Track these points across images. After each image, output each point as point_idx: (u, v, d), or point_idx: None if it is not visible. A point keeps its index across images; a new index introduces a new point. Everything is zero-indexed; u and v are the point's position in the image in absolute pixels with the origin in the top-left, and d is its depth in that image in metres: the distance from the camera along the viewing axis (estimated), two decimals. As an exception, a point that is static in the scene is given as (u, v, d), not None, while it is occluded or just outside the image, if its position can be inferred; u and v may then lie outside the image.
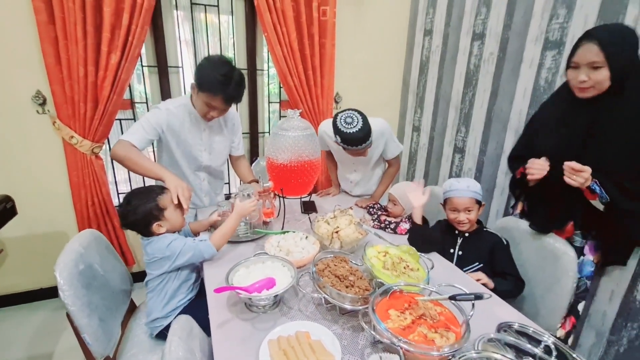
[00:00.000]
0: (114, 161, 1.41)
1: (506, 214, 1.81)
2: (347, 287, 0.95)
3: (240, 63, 2.23)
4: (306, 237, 1.29)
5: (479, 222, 1.43)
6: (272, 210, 1.51)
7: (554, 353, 0.85)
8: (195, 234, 1.37)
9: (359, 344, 0.89)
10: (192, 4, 2.02)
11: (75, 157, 1.85)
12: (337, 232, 1.27)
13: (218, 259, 1.22)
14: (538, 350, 0.85)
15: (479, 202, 1.37)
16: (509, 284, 1.30)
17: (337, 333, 0.91)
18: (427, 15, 2.29)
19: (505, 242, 1.36)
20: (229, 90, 1.34)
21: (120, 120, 2.05)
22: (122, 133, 2.06)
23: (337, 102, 2.45)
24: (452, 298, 0.86)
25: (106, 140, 1.96)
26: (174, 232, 1.18)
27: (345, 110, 1.50)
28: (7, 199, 1.53)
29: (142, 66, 1.99)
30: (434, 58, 2.27)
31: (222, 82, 1.32)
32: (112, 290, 1.21)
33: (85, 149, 1.82)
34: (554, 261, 1.27)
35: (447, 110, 2.19)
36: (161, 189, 1.18)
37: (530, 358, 0.82)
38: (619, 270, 1.34)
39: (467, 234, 1.40)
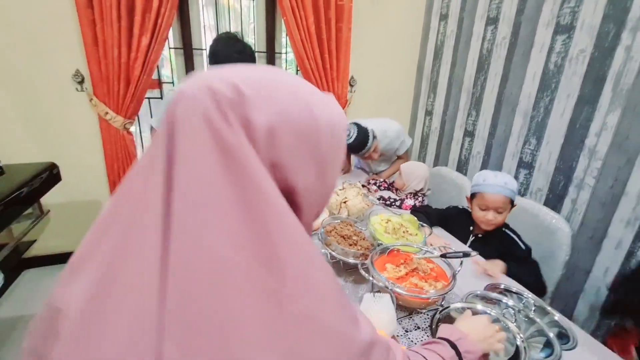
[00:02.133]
0: (142, 137, 1.56)
1: (511, 195, 1.87)
2: (350, 245, 1.07)
3: (260, 47, 2.33)
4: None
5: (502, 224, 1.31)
6: None
7: (532, 308, 0.95)
8: None
9: (359, 293, 1.01)
10: (216, -12, 2.13)
11: (109, 132, 2.02)
12: (345, 202, 1.39)
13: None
14: (517, 304, 0.95)
15: (512, 202, 1.25)
16: (529, 275, 1.14)
17: (346, 284, 1.04)
18: (443, 0, 2.31)
19: (524, 247, 1.22)
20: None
21: (149, 98, 2.21)
22: (150, 109, 2.23)
23: (352, 86, 2.52)
24: (443, 256, 0.97)
25: (136, 117, 2.12)
26: None
27: (349, 123, 1.65)
28: (54, 166, 1.72)
29: (170, 48, 2.13)
30: (448, 43, 2.30)
31: (237, 59, 1.41)
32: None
33: (118, 125, 2.00)
34: (549, 235, 1.35)
35: (459, 95, 2.24)
36: None
37: (510, 309, 0.93)
38: (614, 249, 1.41)
39: (480, 235, 1.32)
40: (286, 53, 2.40)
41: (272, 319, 0.33)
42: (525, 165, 1.78)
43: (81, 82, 1.95)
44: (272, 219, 0.34)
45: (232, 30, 2.26)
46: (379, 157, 1.93)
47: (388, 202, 1.66)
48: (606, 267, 1.45)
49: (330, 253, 1.06)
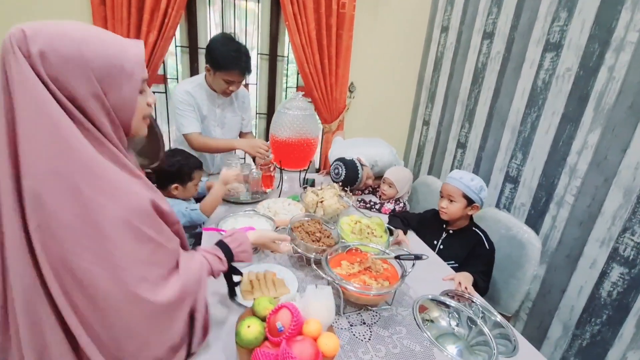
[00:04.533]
0: None
1: (497, 208, 1.87)
2: (313, 241, 1.12)
3: (264, 49, 2.42)
4: (295, 204, 1.47)
5: (471, 221, 1.43)
6: (272, 179, 1.70)
7: (480, 315, 0.97)
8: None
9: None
10: (223, -9, 2.23)
11: (114, 122, 2.14)
12: (321, 201, 1.44)
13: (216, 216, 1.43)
14: (465, 308, 0.98)
15: (467, 199, 1.36)
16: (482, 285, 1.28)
17: (299, 277, 1.08)
18: (445, 12, 2.35)
19: (488, 247, 1.35)
20: (242, 63, 1.52)
21: (154, 92, 2.32)
22: (155, 104, 2.34)
23: (351, 92, 2.57)
24: (397, 257, 1.00)
25: (141, 110, 2.23)
26: (183, 199, 1.37)
27: (335, 162, 1.76)
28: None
29: (176, 46, 2.24)
30: (447, 54, 2.33)
31: (235, 58, 1.49)
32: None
33: (122, 115, 2.11)
34: (520, 249, 1.36)
35: (454, 106, 2.26)
36: (201, 165, 1.38)
37: (455, 313, 0.96)
38: (589, 268, 1.40)
39: (451, 231, 1.44)
40: (288, 56, 2.48)
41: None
42: (511, 180, 1.78)
43: (91, 74, 2.08)
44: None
45: (237, 32, 2.35)
46: (374, 182, 1.95)
47: (368, 205, 1.69)
48: (580, 286, 1.44)
49: (294, 247, 1.11)
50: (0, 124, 0.53)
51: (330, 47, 2.30)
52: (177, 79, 2.37)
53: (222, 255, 0.81)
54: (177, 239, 0.72)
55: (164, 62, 2.21)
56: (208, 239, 1.22)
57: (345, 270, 0.98)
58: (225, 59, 1.50)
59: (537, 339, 1.63)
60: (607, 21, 1.32)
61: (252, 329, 0.74)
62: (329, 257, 1.01)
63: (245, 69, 1.55)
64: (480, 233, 1.38)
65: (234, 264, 0.86)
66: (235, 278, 0.91)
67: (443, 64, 2.38)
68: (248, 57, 1.56)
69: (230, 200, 1.56)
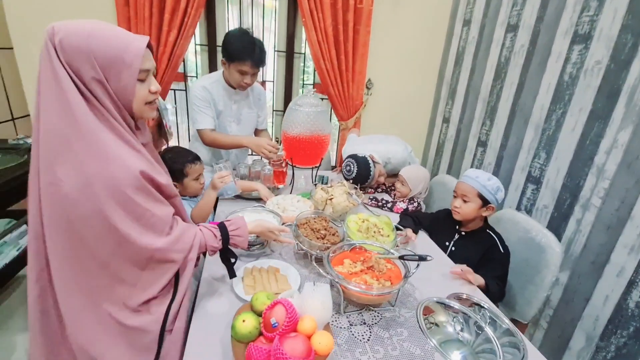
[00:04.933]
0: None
1: (518, 209, 1.79)
2: (318, 238, 1.11)
3: (281, 46, 2.43)
4: (304, 201, 1.47)
5: (485, 223, 1.37)
6: (284, 175, 1.70)
7: (487, 320, 0.93)
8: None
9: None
10: (241, -10, 2.26)
11: (136, 118, 2.22)
12: (331, 199, 1.42)
13: (226, 209, 1.46)
14: (472, 313, 0.94)
15: (483, 199, 1.31)
16: (497, 287, 1.22)
17: (303, 275, 1.08)
18: (468, 5, 2.25)
19: (502, 251, 1.28)
20: (256, 54, 1.54)
21: (174, 90, 2.39)
22: (175, 100, 2.41)
23: (368, 89, 2.54)
24: (401, 257, 0.98)
25: (162, 107, 2.31)
26: (186, 196, 1.36)
27: (347, 159, 1.75)
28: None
29: (196, 44, 2.29)
30: (469, 49, 2.24)
31: (248, 49, 1.52)
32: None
33: (144, 112, 2.19)
34: (539, 253, 1.29)
35: (475, 103, 2.17)
36: (195, 159, 1.33)
37: (461, 317, 0.92)
38: (616, 276, 1.30)
39: (464, 232, 1.39)
40: (305, 53, 2.47)
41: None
42: (534, 180, 1.69)
43: (116, 72, 2.17)
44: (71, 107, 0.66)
45: (255, 28, 2.38)
46: (386, 179, 1.92)
47: (380, 204, 1.66)
48: (606, 295, 1.34)
49: (297, 243, 1.10)
50: (35, 91, 0.69)
51: (347, 43, 2.27)
52: (196, 76, 2.42)
53: (218, 234, 0.89)
54: (170, 207, 0.81)
55: (184, 60, 2.27)
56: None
57: (347, 269, 0.96)
58: (239, 50, 1.54)
59: (558, 349, 1.54)
60: (642, 10, 1.22)
61: (247, 323, 0.74)
62: (332, 254, 1.00)
63: (259, 60, 1.57)
64: (494, 236, 1.31)
65: (231, 248, 0.93)
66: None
67: (465, 59, 2.29)
68: (262, 50, 1.58)
69: (243, 196, 1.59)
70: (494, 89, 2.00)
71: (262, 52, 1.58)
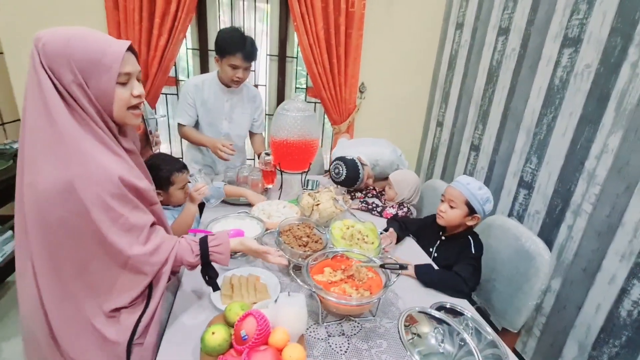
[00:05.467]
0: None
1: (510, 215, 1.76)
2: (299, 245, 1.09)
3: (273, 50, 2.42)
4: (290, 207, 1.45)
5: (469, 230, 1.33)
6: (274, 175, 1.68)
7: (471, 331, 0.90)
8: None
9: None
10: (232, -6, 2.26)
11: (127, 123, 2.21)
12: (317, 205, 1.40)
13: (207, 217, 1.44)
14: (456, 324, 0.91)
15: (469, 207, 1.27)
16: (439, 274, 1.17)
17: (284, 283, 1.06)
18: (460, 8, 2.24)
19: (473, 251, 1.26)
20: (246, 47, 1.56)
21: (165, 94, 2.38)
22: (167, 105, 2.41)
23: (361, 92, 2.52)
24: (382, 266, 0.95)
25: (153, 111, 2.30)
26: (171, 206, 1.33)
27: (335, 161, 1.74)
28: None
29: (187, 49, 2.28)
30: (462, 52, 2.22)
31: (238, 42, 1.55)
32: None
33: (135, 116, 2.18)
34: (528, 260, 1.26)
35: (468, 107, 2.15)
36: (182, 168, 1.30)
37: (442, 328, 0.89)
38: (607, 284, 1.28)
39: (444, 237, 1.37)
40: (297, 57, 2.46)
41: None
42: (525, 185, 1.67)
43: (107, 77, 2.16)
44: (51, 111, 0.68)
45: (247, 32, 2.36)
46: (373, 182, 1.90)
47: (370, 207, 1.64)
48: (598, 303, 1.31)
49: (290, 260, 1.08)
50: (24, 95, 0.71)
51: (339, 47, 2.26)
52: (188, 80, 2.42)
53: (196, 248, 0.84)
54: (149, 216, 0.78)
55: (175, 64, 2.26)
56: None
57: (326, 278, 0.94)
58: (229, 44, 1.56)
59: (550, 358, 1.51)
60: (631, 13, 1.20)
61: (217, 335, 0.72)
62: (312, 263, 0.98)
63: (250, 53, 1.58)
64: (470, 238, 1.29)
65: (214, 264, 0.88)
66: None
67: (457, 63, 2.27)
68: (253, 44, 1.60)
69: (229, 202, 1.57)
70: (486, 93, 1.98)
71: (252, 46, 1.60)
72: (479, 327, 0.93)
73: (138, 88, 0.76)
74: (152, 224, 0.79)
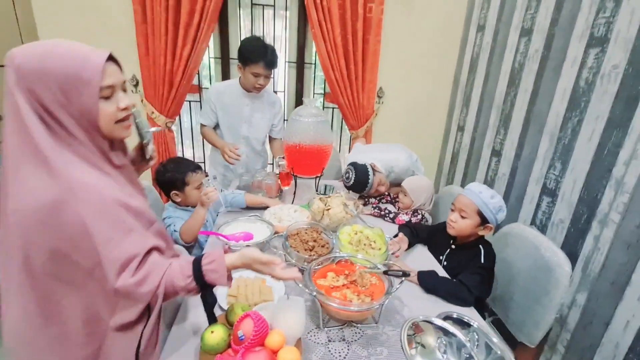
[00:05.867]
0: (182, 135, 1.95)
1: (532, 224, 1.68)
2: (305, 250, 1.10)
3: (291, 57, 2.46)
4: (301, 211, 1.47)
5: (481, 239, 1.29)
6: (290, 177, 1.71)
7: (476, 343, 0.87)
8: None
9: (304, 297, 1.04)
10: (252, 4, 2.33)
11: (154, 129, 2.33)
12: (328, 210, 1.41)
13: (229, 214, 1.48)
14: (463, 336, 0.88)
15: (481, 216, 1.23)
16: (441, 281, 1.13)
17: (290, 286, 1.07)
18: (482, 10, 2.18)
19: (483, 261, 1.21)
20: (268, 56, 1.65)
21: (189, 101, 2.49)
22: (191, 111, 2.52)
23: (379, 97, 2.51)
24: (385, 272, 0.94)
25: (177, 117, 2.41)
26: (189, 206, 1.41)
27: (347, 166, 1.77)
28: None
29: (210, 57, 2.38)
30: (483, 55, 2.16)
31: (260, 51, 1.65)
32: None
33: (160, 122, 2.29)
34: (547, 272, 1.20)
35: (489, 110, 2.08)
36: (196, 168, 1.38)
37: (446, 339, 0.87)
38: (637, 300, 1.18)
39: (454, 246, 1.33)
40: (315, 63, 2.49)
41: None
42: (549, 193, 1.58)
43: (136, 85, 2.30)
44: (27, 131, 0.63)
45: (267, 40, 2.43)
46: (388, 189, 1.88)
47: (383, 213, 1.62)
48: (627, 320, 1.22)
49: (285, 255, 1.10)
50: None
51: (357, 53, 2.27)
52: (210, 88, 2.51)
53: (188, 270, 0.72)
54: (140, 241, 0.70)
55: (198, 72, 2.36)
56: (213, 243, 1.27)
57: (329, 283, 0.94)
58: (252, 53, 1.66)
59: (575, 377, 1.42)
60: (663, 9, 1.12)
61: (216, 334, 0.74)
62: (316, 267, 0.99)
63: (271, 62, 1.68)
64: (481, 247, 1.24)
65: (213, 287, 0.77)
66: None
67: (479, 65, 2.21)
68: (274, 53, 1.70)
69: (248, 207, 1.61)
70: (508, 96, 1.91)
71: (273, 55, 1.69)
72: (488, 339, 0.90)
73: (124, 100, 0.71)
74: (148, 251, 0.71)
